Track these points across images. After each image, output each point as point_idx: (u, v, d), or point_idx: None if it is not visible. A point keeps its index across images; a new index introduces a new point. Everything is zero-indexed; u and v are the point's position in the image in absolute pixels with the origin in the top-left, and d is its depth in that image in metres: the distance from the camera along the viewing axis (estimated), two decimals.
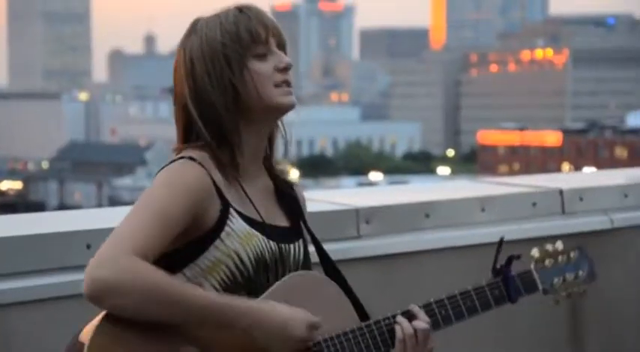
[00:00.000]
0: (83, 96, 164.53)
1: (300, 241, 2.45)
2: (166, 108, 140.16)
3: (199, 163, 2.30)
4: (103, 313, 2.17)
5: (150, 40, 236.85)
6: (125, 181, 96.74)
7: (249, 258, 2.30)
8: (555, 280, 2.55)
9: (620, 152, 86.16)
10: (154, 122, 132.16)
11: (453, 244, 3.84)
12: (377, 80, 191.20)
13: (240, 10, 2.41)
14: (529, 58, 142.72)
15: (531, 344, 4.13)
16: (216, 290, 2.28)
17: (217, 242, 2.29)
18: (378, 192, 5.67)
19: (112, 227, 3.19)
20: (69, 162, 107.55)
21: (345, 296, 2.41)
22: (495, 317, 4.02)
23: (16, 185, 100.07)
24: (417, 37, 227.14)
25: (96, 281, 2.10)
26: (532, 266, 2.54)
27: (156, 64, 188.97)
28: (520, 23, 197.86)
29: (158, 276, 2.13)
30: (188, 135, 2.39)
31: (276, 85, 2.37)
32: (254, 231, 2.33)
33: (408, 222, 3.86)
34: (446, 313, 2.45)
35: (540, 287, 2.55)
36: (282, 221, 2.44)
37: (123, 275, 2.09)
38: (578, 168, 74.33)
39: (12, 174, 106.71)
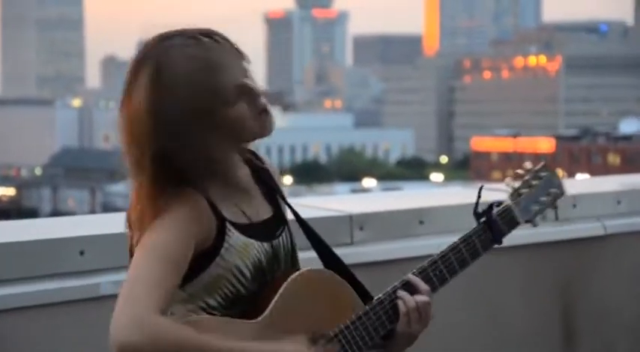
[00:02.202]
0: (76, 102, 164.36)
1: (285, 227, 2.46)
2: None
3: (192, 186, 2.28)
4: None
5: None
6: (118, 187, 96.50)
7: (248, 268, 2.32)
8: (533, 207, 2.56)
9: (613, 158, 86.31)
10: None
11: None
12: (370, 86, 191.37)
13: (205, 50, 2.26)
14: (522, 64, 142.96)
15: (525, 347, 4.14)
16: (218, 302, 2.31)
17: (218, 259, 2.30)
18: (371, 198, 5.68)
19: (105, 233, 3.22)
20: (62, 168, 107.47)
21: (345, 283, 2.43)
22: (490, 320, 4.03)
23: (9, 191, 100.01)
24: (410, 44, 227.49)
25: (124, 347, 2.08)
26: (510, 201, 2.55)
27: None
28: (513, 30, 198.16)
29: (183, 334, 2.14)
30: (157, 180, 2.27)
31: (254, 119, 2.31)
32: (249, 239, 2.34)
33: (402, 229, 3.86)
34: (440, 273, 2.49)
35: (521, 220, 2.56)
36: (266, 211, 2.43)
37: (150, 338, 2.09)
38: (571, 174, 74.36)
39: (5, 181, 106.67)
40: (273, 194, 2.48)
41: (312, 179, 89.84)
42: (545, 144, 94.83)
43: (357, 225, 3.71)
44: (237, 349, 2.18)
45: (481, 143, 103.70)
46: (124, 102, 2.27)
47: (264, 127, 2.34)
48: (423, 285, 2.45)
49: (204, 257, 2.29)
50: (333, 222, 3.65)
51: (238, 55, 2.33)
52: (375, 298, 2.45)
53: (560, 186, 2.61)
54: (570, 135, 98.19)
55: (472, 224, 4.04)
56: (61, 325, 3.11)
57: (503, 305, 4.07)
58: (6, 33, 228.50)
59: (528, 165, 2.60)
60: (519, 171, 2.58)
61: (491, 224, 2.53)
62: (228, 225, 2.32)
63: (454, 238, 3.92)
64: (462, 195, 4.59)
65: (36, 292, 3.06)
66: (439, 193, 4.91)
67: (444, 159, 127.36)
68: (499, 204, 2.54)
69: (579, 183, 5.68)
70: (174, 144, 2.25)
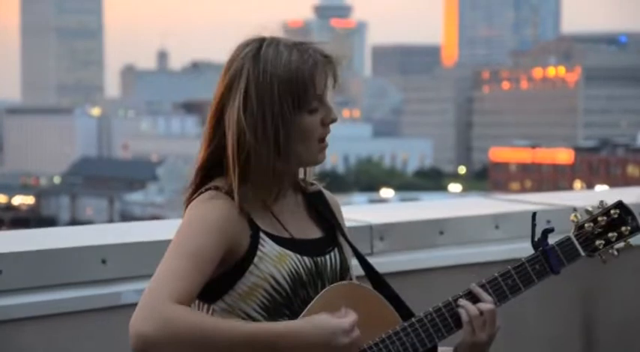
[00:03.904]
0: (96, 111, 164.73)
1: (336, 249, 2.48)
2: (178, 124, 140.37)
3: (226, 192, 2.33)
4: None
5: (162, 56, 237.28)
6: (137, 196, 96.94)
7: (285, 278, 2.35)
8: (597, 242, 2.51)
9: (632, 170, 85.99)
10: (166, 137, 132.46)
11: (468, 261, 3.84)
12: (389, 97, 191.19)
13: (318, 56, 2.38)
14: (541, 75, 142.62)
15: None
16: (258, 312, 2.34)
17: (251, 267, 2.33)
18: (392, 208, 5.68)
19: (127, 242, 3.23)
20: (81, 177, 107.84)
21: (383, 299, 2.44)
22: (508, 330, 4.02)
23: (28, 200, 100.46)
24: (429, 54, 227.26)
25: (139, 337, 2.14)
26: (571, 233, 2.52)
27: (168, 80, 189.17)
28: (532, 41, 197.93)
29: (198, 319, 2.18)
30: (212, 157, 2.38)
31: (319, 141, 2.39)
32: (286, 250, 2.37)
33: (422, 239, 3.86)
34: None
35: (582, 253, 2.51)
36: (314, 232, 2.47)
37: (162, 328, 2.14)
38: (590, 186, 74.26)
39: (24, 189, 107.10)
40: (325, 220, 2.50)
41: (330, 189, 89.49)
42: (563, 156, 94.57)
43: (377, 235, 3.72)
44: (262, 331, 2.20)
45: (499, 154, 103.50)
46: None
47: (321, 154, 2.41)
48: (486, 295, 2.44)
49: (239, 266, 2.33)
50: (353, 232, 3.61)
51: (333, 82, 2.41)
52: (434, 306, 2.44)
53: (634, 224, 2.53)
54: (589, 146, 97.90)
55: (492, 235, 4.04)
56: (83, 334, 3.12)
57: (523, 315, 4.06)
58: (25, 41, 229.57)
59: (599, 205, 2.55)
60: (589, 207, 2.54)
61: (548, 253, 2.49)
62: (262, 234, 2.35)
63: (474, 249, 3.93)
64: (483, 205, 4.59)
65: (58, 300, 3.07)
66: (459, 203, 4.90)
67: (462, 170, 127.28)
68: (551, 230, 2.51)
69: (599, 195, 5.66)
70: (253, 119, 2.31)
